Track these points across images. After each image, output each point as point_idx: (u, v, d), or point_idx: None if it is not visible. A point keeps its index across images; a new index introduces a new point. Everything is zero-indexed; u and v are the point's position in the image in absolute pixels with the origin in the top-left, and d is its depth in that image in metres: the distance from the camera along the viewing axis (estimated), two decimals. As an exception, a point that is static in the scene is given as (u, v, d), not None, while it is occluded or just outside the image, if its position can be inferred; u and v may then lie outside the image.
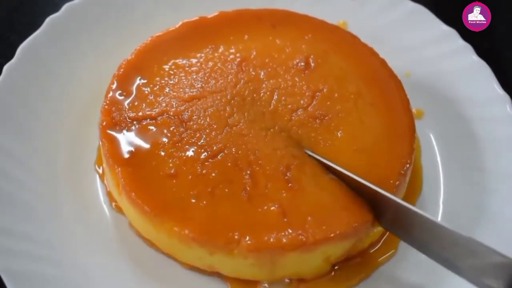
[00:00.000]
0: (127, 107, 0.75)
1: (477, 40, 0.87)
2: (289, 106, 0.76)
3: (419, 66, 0.88)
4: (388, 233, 0.74)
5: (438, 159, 0.82)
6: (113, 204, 0.75)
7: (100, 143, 0.74)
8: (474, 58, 0.85)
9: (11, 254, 0.68)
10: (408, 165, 0.73)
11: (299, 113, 0.75)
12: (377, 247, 0.74)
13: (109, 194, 0.76)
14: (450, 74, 0.86)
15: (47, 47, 0.83)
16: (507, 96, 0.81)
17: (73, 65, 0.84)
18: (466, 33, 0.87)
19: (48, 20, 0.84)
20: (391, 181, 0.71)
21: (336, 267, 0.72)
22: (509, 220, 0.74)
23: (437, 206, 0.78)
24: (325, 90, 0.77)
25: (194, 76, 0.78)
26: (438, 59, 0.87)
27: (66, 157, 0.78)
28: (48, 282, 0.68)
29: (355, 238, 0.69)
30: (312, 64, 0.79)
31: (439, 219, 0.77)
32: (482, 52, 0.86)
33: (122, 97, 0.76)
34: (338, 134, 0.74)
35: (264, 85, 0.77)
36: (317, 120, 0.75)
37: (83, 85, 0.84)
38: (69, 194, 0.76)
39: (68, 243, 0.72)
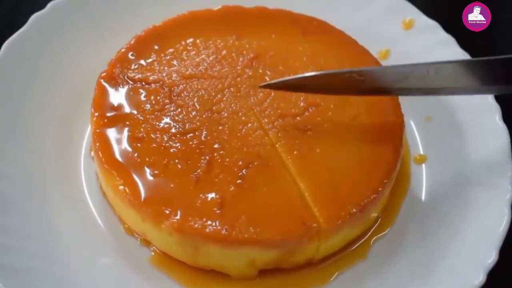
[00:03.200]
0: (130, 66, 0.79)
1: (477, 40, 0.86)
2: (279, 111, 0.76)
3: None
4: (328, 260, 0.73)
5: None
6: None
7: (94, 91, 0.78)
8: (456, 50, 0.85)
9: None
10: (375, 195, 0.72)
11: (285, 119, 0.75)
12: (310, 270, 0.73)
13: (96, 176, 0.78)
14: None
15: (32, 44, 0.84)
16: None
17: (59, 62, 0.85)
18: (466, 33, 0.85)
19: (32, 17, 0.84)
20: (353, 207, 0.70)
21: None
22: (493, 211, 0.73)
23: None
24: (321, 106, 0.77)
25: (203, 57, 0.80)
26: (421, 52, 0.86)
27: (54, 153, 0.80)
28: (37, 277, 0.69)
29: (283, 250, 0.68)
30: None
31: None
32: (482, 52, 0.82)
33: (132, 58, 0.80)
34: (316, 150, 0.73)
35: None
36: (300, 131, 0.74)
37: (69, 82, 0.85)
38: (57, 189, 0.77)
39: (56, 238, 0.73)
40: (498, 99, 0.81)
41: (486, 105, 0.81)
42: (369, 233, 0.76)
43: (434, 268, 0.72)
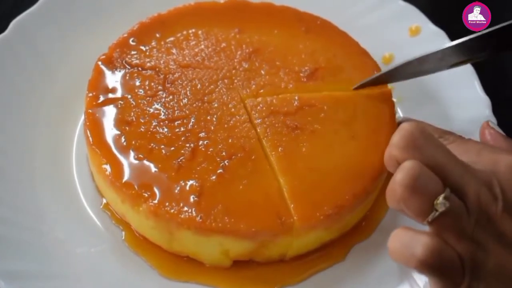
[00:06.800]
0: (129, 51, 0.80)
1: None
2: (272, 108, 0.76)
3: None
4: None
5: None
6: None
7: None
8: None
9: None
10: (354, 200, 0.71)
11: (275, 116, 0.76)
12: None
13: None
14: None
15: (38, 26, 0.85)
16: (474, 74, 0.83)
17: (61, 46, 0.86)
18: (466, 33, 0.82)
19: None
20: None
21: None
22: None
23: None
24: (315, 107, 0.77)
25: (202, 48, 0.81)
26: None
27: (47, 131, 0.81)
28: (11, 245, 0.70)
29: (256, 242, 0.69)
30: (318, 77, 0.79)
31: None
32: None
33: (133, 43, 0.81)
34: (302, 149, 0.73)
35: (259, 79, 0.78)
36: (288, 128, 0.75)
37: (69, 67, 0.86)
38: (45, 163, 0.78)
39: (38, 211, 0.75)
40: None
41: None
42: (350, 237, 0.76)
43: (408, 277, 0.71)
